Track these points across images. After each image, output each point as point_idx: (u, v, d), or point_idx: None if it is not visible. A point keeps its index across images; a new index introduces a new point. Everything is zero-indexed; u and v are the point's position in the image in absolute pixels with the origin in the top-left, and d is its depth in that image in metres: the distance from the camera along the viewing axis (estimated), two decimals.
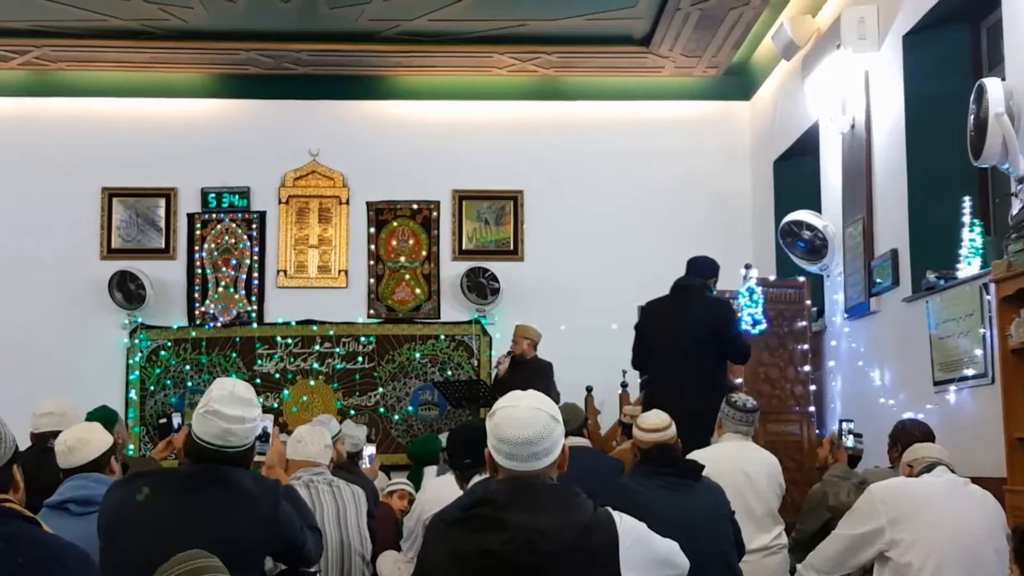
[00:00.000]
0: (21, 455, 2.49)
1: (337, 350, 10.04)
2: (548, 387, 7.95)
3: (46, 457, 4.12)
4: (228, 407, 3.10)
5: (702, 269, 6.91)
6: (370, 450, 7.16)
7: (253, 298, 10.13)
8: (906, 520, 4.03)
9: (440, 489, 4.49)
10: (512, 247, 10.29)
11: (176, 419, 5.68)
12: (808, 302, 8.16)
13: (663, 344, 6.59)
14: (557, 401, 7.15)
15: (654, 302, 6.88)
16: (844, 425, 5.80)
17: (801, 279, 8.20)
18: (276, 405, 9.75)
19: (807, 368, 7.85)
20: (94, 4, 8.75)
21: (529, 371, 8.47)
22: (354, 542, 4.56)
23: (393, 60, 9.93)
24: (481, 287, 10.03)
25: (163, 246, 10.18)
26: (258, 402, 3.25)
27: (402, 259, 10.26)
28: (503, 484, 2.57)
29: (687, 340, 6.42)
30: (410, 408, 10.00)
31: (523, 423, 2.53)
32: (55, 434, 4.24)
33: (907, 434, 5.09)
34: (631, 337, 9.83)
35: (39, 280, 9.92)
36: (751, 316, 7.76)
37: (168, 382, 9.93)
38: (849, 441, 5.72)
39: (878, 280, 7.14)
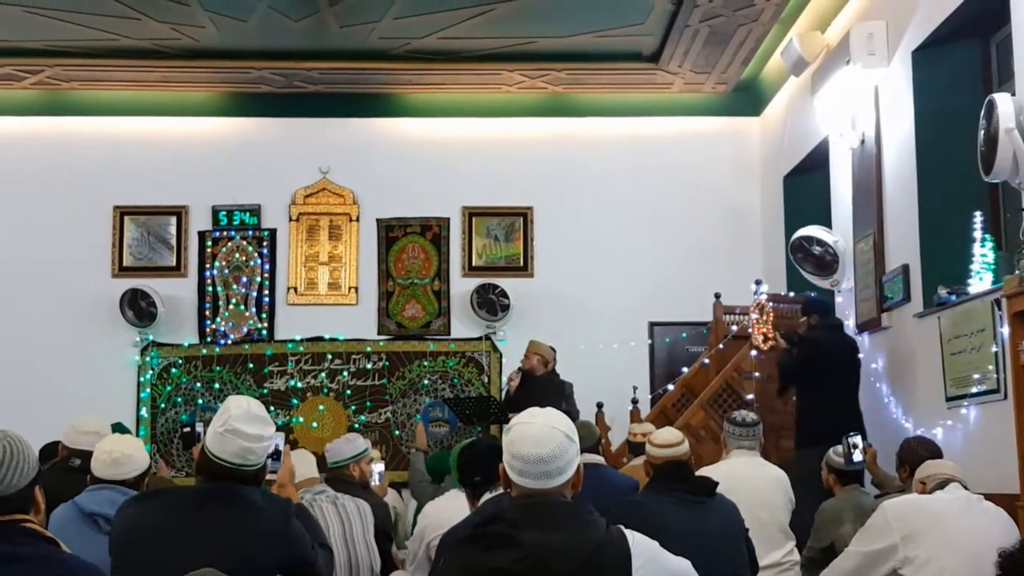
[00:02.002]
0: (44, 471, 2.52)
1: (348, 367, 10.05)
2: (559, 403, 7.92)
3: (75, 474, 4.16)
4: (247, 425, 3.10)
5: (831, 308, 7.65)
6: (380, 467, 7.12)
7: (264, 315, 10.16)
8: (919, 537, 4.01)
9: (441, 510, 4.46)
10: (522, 263, 10.30)
11: (199, 427, 5.68)
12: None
13: (819, 373, 6.99)
14: (576, 419, 7.16)
15: (828, 335, 7.20)
16: (849, 439, 5.72)
17: (812, 295, 8.18)
18: (287, 422, 9.76)
19: None
20: (106, 24, 8.81)
21: (539, 387, 8.46)
22: (363, 559, 4.54)
23: (403, 78, 9.96)
24: (491, 303, 10.04)
25: (174, 264, 10.21)
26: (272, 420, 3.25)
27: (412, 276, 10.27)
28: (515, 502, 2.56)
29: (839, 372, 6.94)
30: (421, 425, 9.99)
31: (538, 440, 2.53)
32: (86, 454, 4.27)
33: (913, 454, 5.06)
34: (641, 353, 9.97)
35: (51, 298, 9.96)
36: (761, 333, 7.76)
37: (179, 400, 9.95)
38: (856, 455, 5.66)
39: (889, 296, 7.13)
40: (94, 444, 4.43)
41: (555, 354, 8.93)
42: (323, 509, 4.52)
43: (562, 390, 8.45)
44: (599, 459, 5.94)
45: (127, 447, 3.99)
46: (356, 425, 9.78)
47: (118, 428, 5.64)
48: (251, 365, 10.02)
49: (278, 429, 3.40)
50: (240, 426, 3.09)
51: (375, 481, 6.93)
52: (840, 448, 5.74)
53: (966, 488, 4.29)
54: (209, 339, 10.08)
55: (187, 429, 5.89)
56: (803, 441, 6.87)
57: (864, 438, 6.03)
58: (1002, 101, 5.34)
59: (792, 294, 8.50)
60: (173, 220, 10.25)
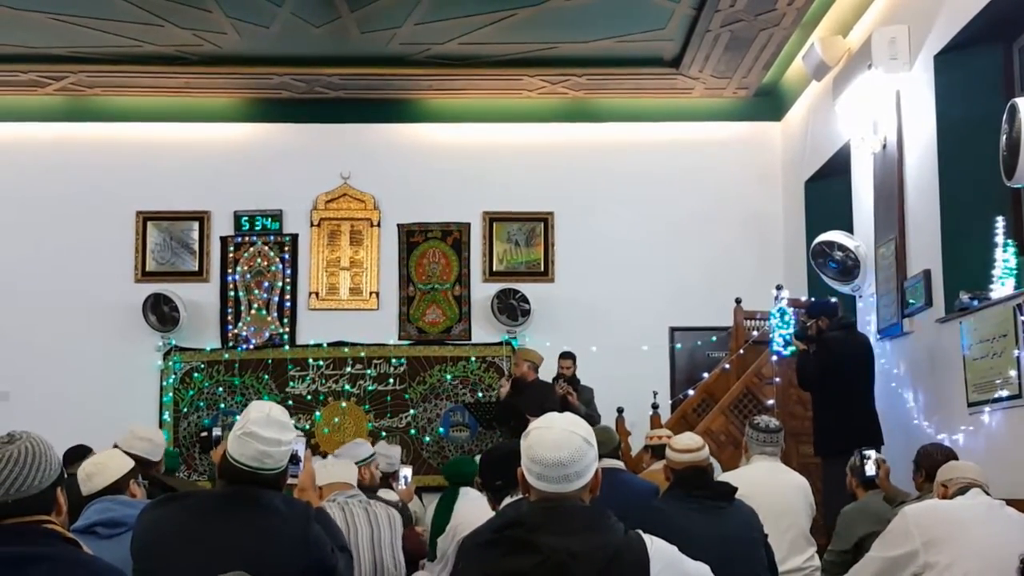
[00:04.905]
0: None
1: (368, 372, 10.08)
2: (557, 406, 7.97)
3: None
4: (265, 430, 3.11)
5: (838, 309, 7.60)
6: (406, 471, 7.15)
7: (285, 320, 10.20)
8: (940, 543, 3.99)
9: (475, 510, 4.49)
10: (543, 268, 10.31)
11: (216, 431, 5.76)
12: None
13: (837, 375, 6.96)
14: (596, 424, 7.18)
15: (842, 335, 7.17)
16: (863, 452, 5.67)
17: (834, 300, 8.15)
18: (308, 427, 9.79)
19: None
20: (129, 30, 8.87)
21: (537, 392, 8.54)
22: (388, 564, 4.56)
23: (424, 83, 10.00)
24: (512, 308, 10.05)
25: (197, 269, 10.28)
26: (293, 425, 3.27)
27: (433, 281, 10.30)
28: (535, 506, 2.57)
29: (857, 373, 6.95)
30: (441, 429, 10.02)
31: (556, 445, 2.54)
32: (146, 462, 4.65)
33: (930, 459, 5.02)
34: (662, 358, 9.97)
35: (74, 302, 10.03)
36: (783, 337, 7.75)
37: (201, 404, 10.01)
38: (869, 468, 5.62)
39: (911, 301, 7.10)
40: (146, 451, 4.89)
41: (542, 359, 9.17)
42: (354, 513, 4.54)
43: (552, 394, 8.51)
44: (619, 464, 5.93)
45: (99, 458, 4.07)
46: (383, 434, 9.80)
47: None
48: (273, 370, 10.07)
49: (299, 434, 3.41)
50: (257, 430, 3.10)
51: (401, 485, 6.97)
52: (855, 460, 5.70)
53: (987, 493, 4.26)
54: (231, 344, 10.14)
55: (204, 434, 5.97)
56: (830, 449, 6.78)
57: (881, 443, 5.98)
58: None
59: (813, 299, 8.47)
60: (195, 225, 10.32)
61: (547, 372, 9.14)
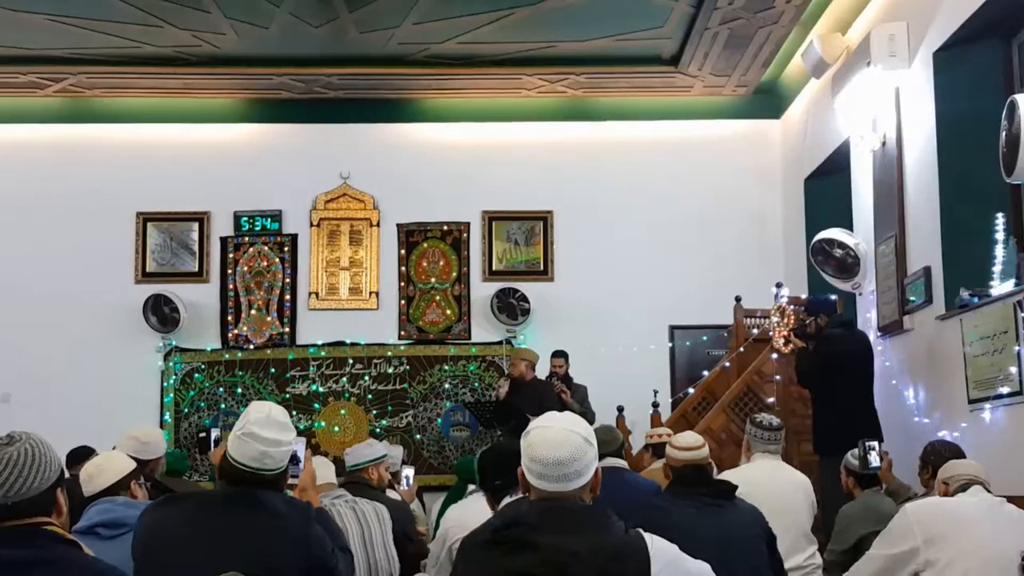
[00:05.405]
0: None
1: (369, 371, 10.08)
2: (557, 405, 7.98)
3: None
4: (265, 430, 3.11)
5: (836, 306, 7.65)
6: (408, 472, 7.15)
7: (285, 320, 10.20)
8: (941, 541, 3.99)
9: (465, 513, 4.47)
10: (542, 267, 10.31)
11: (215, 433, 5.76)
12: None
13: (837, 373, 6.96)
14: (591, 422, 7.20)
15: (842, 332, 7.18)
16: (866, 443, 5.66)
17: (833, 297, 8.16)
18: (308, 427, 9.79)
19: None
20: (128, 31, 8.87)
21: (532, 392, 8.54)
22: (382, 562, 4.55)
23: (423, 83, 9.99)
24: (511, 308, 10.05)
25: (197, 269, 10.28)
26: (293, 425, 3.26)
27: (433, 280, 10.30)
28: (535, 506, 2.57)
29: (857, 370, 6.95)
30: (441, 429, 10.02)
31: (556, 444, 2.54)
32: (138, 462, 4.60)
33: (938, 456, 5.02)
34: (662, 356, 9.97)
35: (75, 303, 10.03)
36: (782, 336, 7.74)
37: (202, 404, 10.00)
38: (873, 459, 5.60)
39: (911, 298, 7.10)
40: (134, 449, 4.84)
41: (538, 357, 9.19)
42: (342, 513, 4.53)
43: (551, 394, 8.52)
44: (622, 463, 5.91)
45: (100, 459, 4.10)
46: (377, 430, 9.81)
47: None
48: (273, 370, 10.06)
49: (300, 434, 3.41)
50: (257, 430, 3.10)
51: (403, 485, 6.95)
52: (857, 451, 5.69)
53: (988, 491, 4.26)
54: (231, 344, 10.14)
55: (203, 435, 5.96)
56: (829, 448, 6.78)
57: (880, 441, 5.99)
58: None
59: (812, 297, 8.46)
60: (195, 226, 10.32)
61: (541, 371, 9.14)
